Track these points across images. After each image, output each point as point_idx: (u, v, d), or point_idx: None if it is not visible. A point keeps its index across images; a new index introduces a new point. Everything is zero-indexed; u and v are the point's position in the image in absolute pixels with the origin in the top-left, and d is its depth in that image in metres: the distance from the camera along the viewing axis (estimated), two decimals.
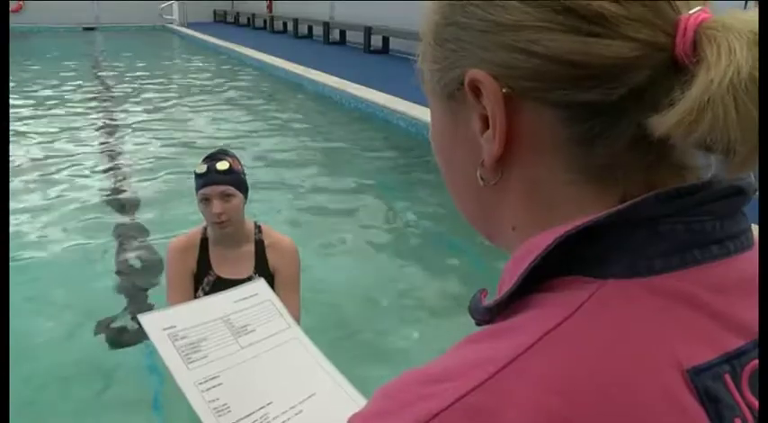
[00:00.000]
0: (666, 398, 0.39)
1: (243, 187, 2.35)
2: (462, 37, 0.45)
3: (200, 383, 1.27)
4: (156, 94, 10.63)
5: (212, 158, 2.33)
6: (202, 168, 2.27)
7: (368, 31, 14.62)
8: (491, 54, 0.44)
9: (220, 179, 2.26)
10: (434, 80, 0.49)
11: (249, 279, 2.23)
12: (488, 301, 0.47)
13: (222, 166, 2.25)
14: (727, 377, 0.41)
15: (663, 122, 0.39)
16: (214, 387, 1.27)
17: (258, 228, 2.49)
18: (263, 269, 2.41)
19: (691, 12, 0.40)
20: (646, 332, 0.41)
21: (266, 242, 2.47)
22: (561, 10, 0.41)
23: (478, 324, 0.48)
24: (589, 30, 0.40)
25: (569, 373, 0.39)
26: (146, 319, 1.33)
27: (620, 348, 0.40)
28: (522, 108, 0.44)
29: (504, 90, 0.43)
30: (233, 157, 2.39)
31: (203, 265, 2.42)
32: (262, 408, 1.27)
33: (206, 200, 2.29)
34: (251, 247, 2.44)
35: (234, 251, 2.42)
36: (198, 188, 2.29)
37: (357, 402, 1.31)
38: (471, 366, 0.41)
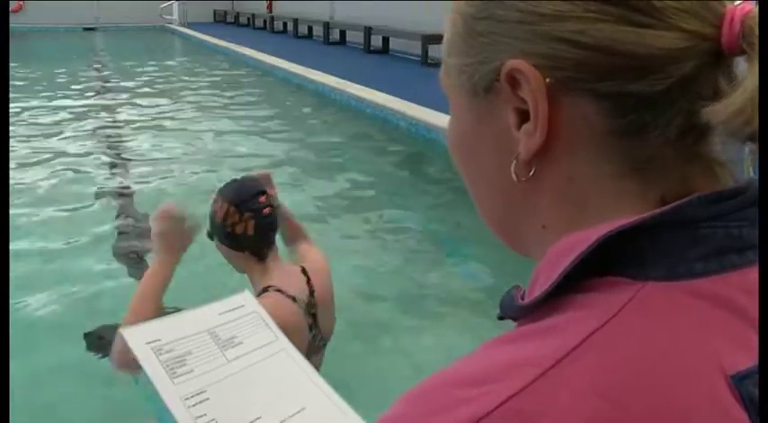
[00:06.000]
0: (713, 403, 0.39)
1: None
2: (498, 29, 0.44)
3: (187, 399, 1.23)
4: (156, 95, 10.64)
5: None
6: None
7: (368, 31, 14.59)
8: (532, 45, 0.43)
9: None
10: (464, 75, 0.47)
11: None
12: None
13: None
14: None
15: (720, 112, 0.39)
16: (201, 402, 1.24)
17: None
18: None
19: (735, 3, 0.41)
20: (690, 336, 0.40)
21: None
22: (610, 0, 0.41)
23: (501, 319, 0.47)
24: (639, 20, 0.40)
25: (616, 377, 0.38)
26: (128, 332, 1.29)
27: (665, 352, 0.39)
28: (562, 100, 0.43)
29: (547, 80, 0.42)
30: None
31: None
32: None
33: None
34: None
35: None
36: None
37: (348, 416, 1.28)
38: (511, 368, 0.39)
